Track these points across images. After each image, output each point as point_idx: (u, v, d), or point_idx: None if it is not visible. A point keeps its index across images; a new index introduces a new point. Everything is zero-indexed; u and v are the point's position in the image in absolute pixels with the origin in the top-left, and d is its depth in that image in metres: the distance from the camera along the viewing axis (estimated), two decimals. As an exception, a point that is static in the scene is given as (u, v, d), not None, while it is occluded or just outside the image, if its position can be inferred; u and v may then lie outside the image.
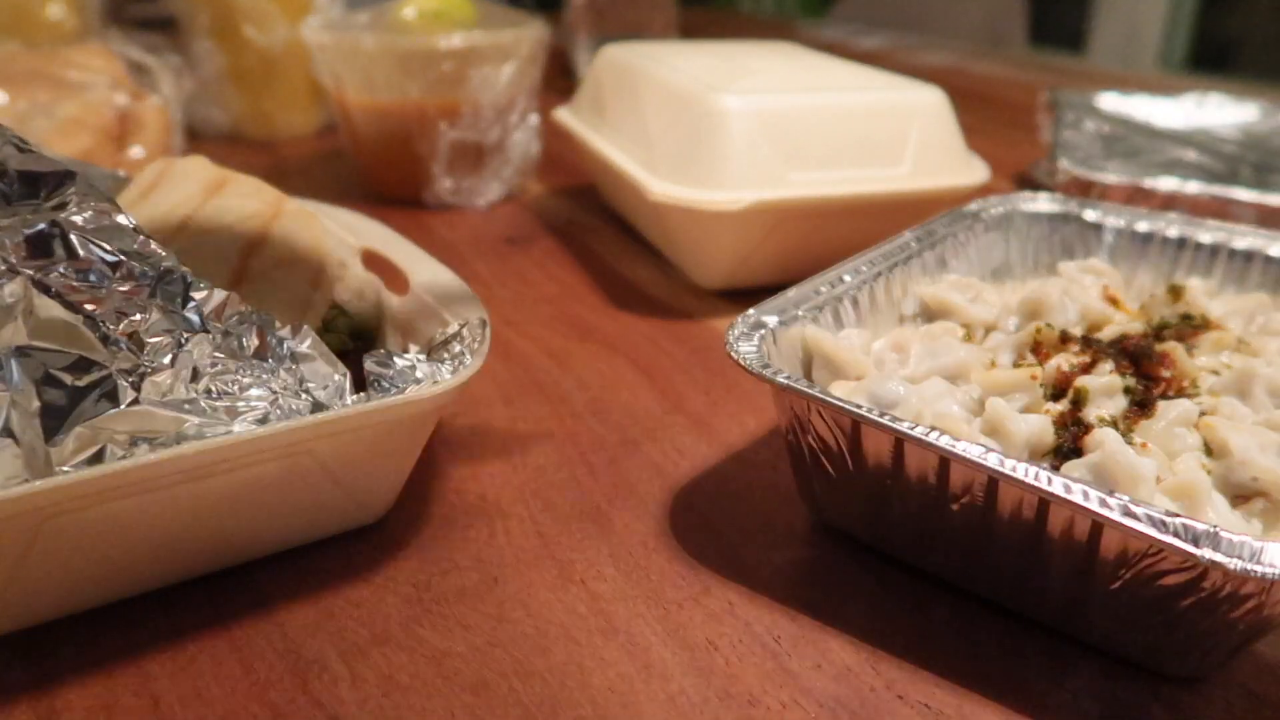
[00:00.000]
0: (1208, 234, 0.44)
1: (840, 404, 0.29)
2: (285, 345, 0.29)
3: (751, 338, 0.33)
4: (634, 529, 0.35)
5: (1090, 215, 0.46)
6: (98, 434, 0.26)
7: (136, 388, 0.27)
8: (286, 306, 0.34)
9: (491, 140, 0.69)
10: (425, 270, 0.41)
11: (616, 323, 0.52)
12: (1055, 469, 0.26)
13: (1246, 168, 0.68)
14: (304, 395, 0.29)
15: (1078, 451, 0.30)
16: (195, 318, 0.28)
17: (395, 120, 0.68)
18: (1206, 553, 0.23)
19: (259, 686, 0.28)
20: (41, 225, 0.26)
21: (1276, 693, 0.28)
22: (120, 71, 0.72)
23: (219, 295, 0.29)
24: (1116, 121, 0.79)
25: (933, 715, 0.27)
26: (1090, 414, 0.31)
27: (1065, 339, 0.35)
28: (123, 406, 0.26)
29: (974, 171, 0.56)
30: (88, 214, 0.27)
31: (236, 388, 0.28)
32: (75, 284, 0.26)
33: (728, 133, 0.51)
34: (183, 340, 0.28)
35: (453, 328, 0.34)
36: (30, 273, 0.26)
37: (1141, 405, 0.32)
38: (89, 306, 0.26)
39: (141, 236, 0.28)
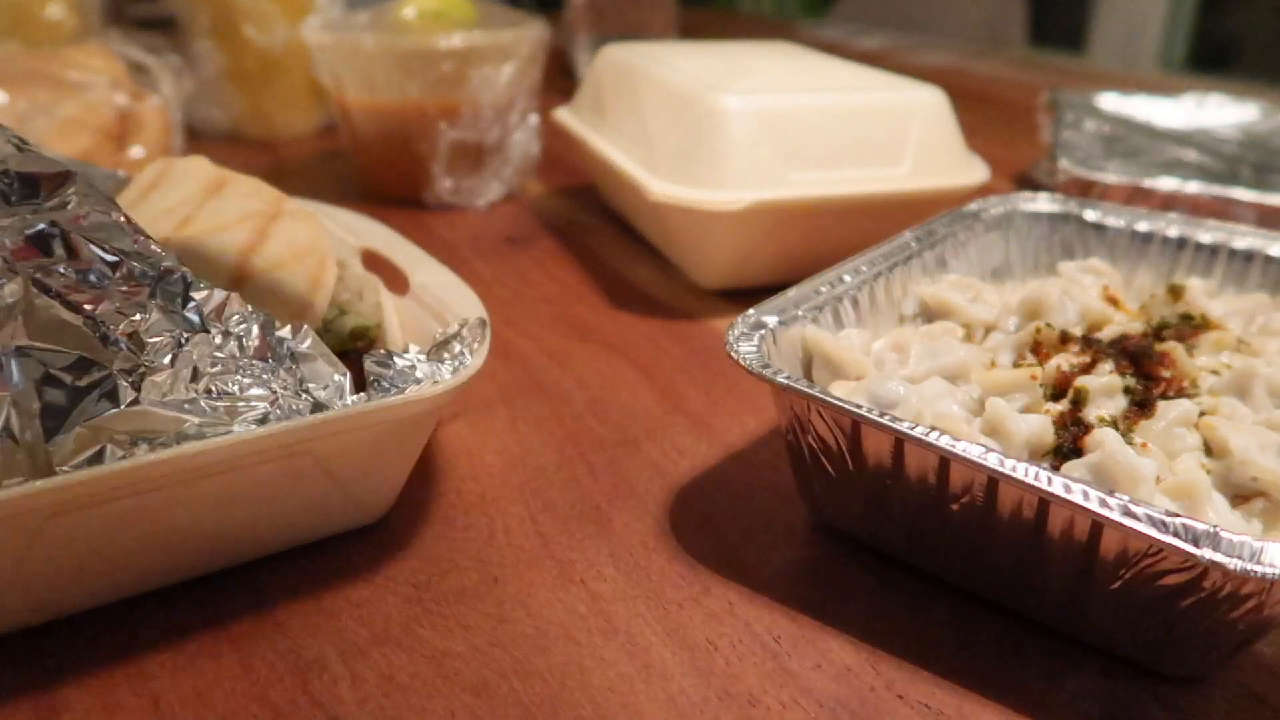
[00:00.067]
0: (1208, 234, 0.44)
1: (840, 404, 0.29)
2: (285, 345, 0.29)
3: (751, 338, 0.33)
4: (634, 529, 0.35)
5: (1090, 215, 0.46)
6: (98, 434, 0.26)
7: (136, 388, 0.27)
8: (286, 306, 0.34)
9: (491, 140, 0.69)
10: (425, 270, 0.41)
11: (616, 323, 0.53)
12: (1055, 469, 0.26)
13: (1246, 168, 0.68)
14: (304, 395, 0.29)
15: (1078, 451, 0.30)
16: (195, 318, 0.28)
17: (395, 120, 0.68)
18: (1206, 553, 0.23)
19: (259, 686, 0.28)
20: (41, 225, 0.26)
21: (1276, 693, 0.28)
22: (120, 71, 0.72)
23: (219, 295, 0.29)
24: (1116, 121, 0.79)
25: (933, 715, 0.27)
26: (1090, 414, 0.31)
27: (1065, 339, 0.35)
28: (123, 406, 0.26)
29: (974, 171, 0.56)
30: (88, 214, 0.27)
31: (236, 388, 0.28)
32: (75, 284, 0.26)
33: (728, 133, 0.51)
34: (183, 340, 0.28)
35: (453, 328, 0.34)
36: (30, 273, 0.26)
37: (1141, 405, 0.32)
38: (89, 306, 0.26)
39: (141, 236, 0.28)
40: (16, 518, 0.25)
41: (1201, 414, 0.31)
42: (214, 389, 0.28)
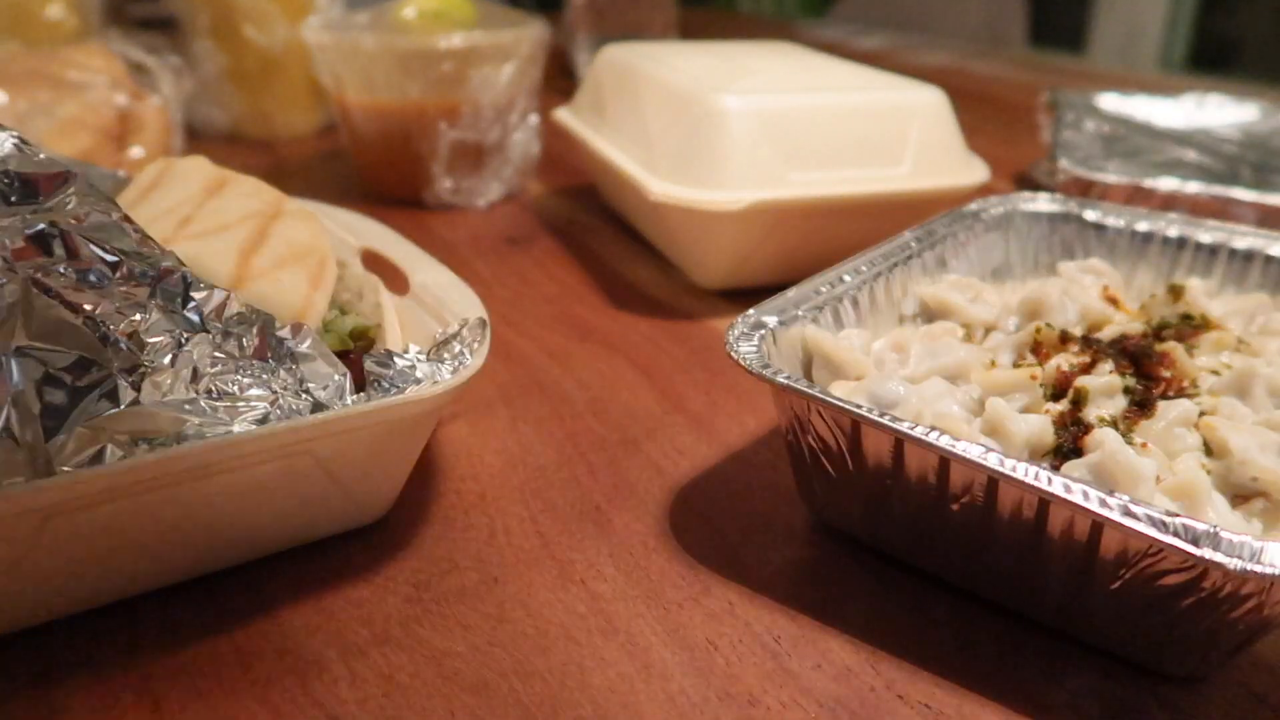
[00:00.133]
0: (1208, 234, 0.43)
1: (840, 404, 0.29)
2: (285, 345, 0.29)
3: (751, 338, 0.33)
4: (634, 529, 0.35)
5: (1090, 215, 0.46)
6: (98, 434, 0.26)
7: (136, 388, 0.27)
8: (286, 306, 0.34)
9: (491, 140, 0.69)
10: (425, 270, 0.41)
11: (616, 323, 0.52)
12: (1055, 469, 0.26)
13: (1246, 168, 0.68)
14: (304, 395, 0.29)
15: (1078, 451, 0.30)
16: (195, 318, 0.28)
17: (395, 120, 0.68)
18: (1206, 553, 0.23)
19: (259, 686, 0.28)
20: (41, 225, 0.26)
21: (1276, 693, 0.28)
22: (120, 71, 0.72)
23: (219, 295, 0.29)
24: (1116, 121, 0.78)
25: (933, 715, 0.27)
26: (1090, 414, 0.31)
27: (1065, 339, 0.35)
28: (123, 406, 0.26)
29: (974, 171, 0.56)
30: (88, 214, 0.27)
31: (236, 388, 0.28)
32: (75, 284, 0.26)
33: (728, 133, 0.51)
34: (183, 340, 0.28)
35: (453, 328, 0.34)
36: (30, 273, 0.26)
37: (1141, 405, 0.32)
38: (89, 306, 0.26)
39: (141, 236, 0.28)
40: (16, 518, 0.25)
41: (1201, 414, 0.31)
42: (214, 389, 0.28)
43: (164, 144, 0.70)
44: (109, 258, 0.27)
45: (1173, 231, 0.44)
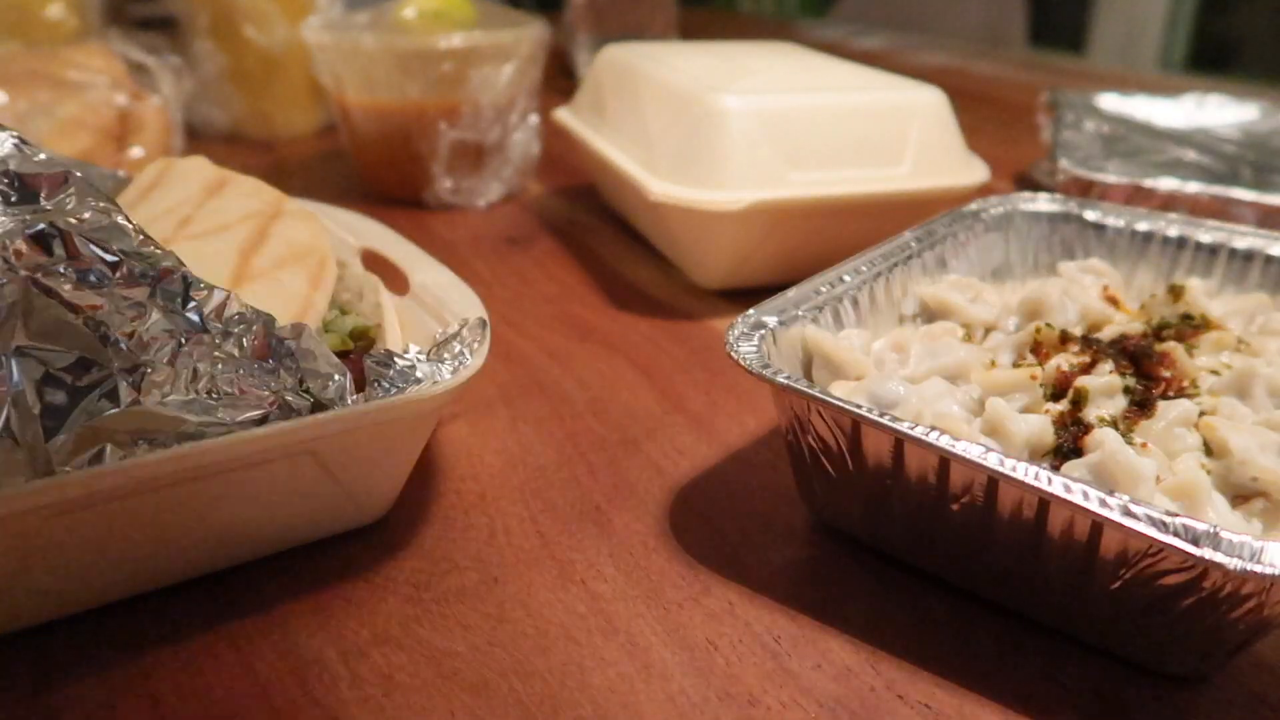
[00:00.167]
0: (1208, 234, 0.44)
1: (840, 404, 0.29)
2: (285, 345, 0.29)
3: (751, 338, 0.33)
4: (634, 529, 0.35)
5: (1090, 215, 0.46)
6: (98, 434, 0.26)
7: (136, 388, 0.27)
8: (286, 306, 0.33)
9: (491, 140, 0.69)
10: (425, 270, 0.41)
11: (616, 323, 0.52)
12: (1055, 469, 0.26)
13: (1246, 168, 0.68)
14: (304, 395, 0.29)
15: (1078, 451, 0.30)
16: (195, 318, 0.28)
17: (395, 120, 0.68)
18: (1206, 553, 0.23)
19: (259, 686, 0.28)
20: (41, 225, 0.26)
21: (1276, 693, 0.28)
22: (120, 71, 0.72)
23: (219, 295, 0.28)
24: (1116, 121, 0.78)
25: (933, 715, 0.27)
26: (1090, 414, 0.31)
27: (1065, 339, 0.35)
28: (123, 406, 0.26)
29: (974, 171, 0.56)
30: (88, 214, 0.27)
31: (236, 388, 0.28)
32: (75, 284, 0.26)
33: (728, 133, 0.51)
34: (183, 340, 0.28)
35: (453, 328, 0.34)
36: (30, 273, 0.26)
37: (1141, 405, 0.32)
38: (89, 307, 0.26)
39: (141, 236, 0.28)
40: (16, 518, 0.25)
41: (1201, 414, 0.31)
42: (214, 389, 0.28)
43: (164, 144, 0.70)
44: (109, 258, 0.27)
45: (1173, 231, 0.44)
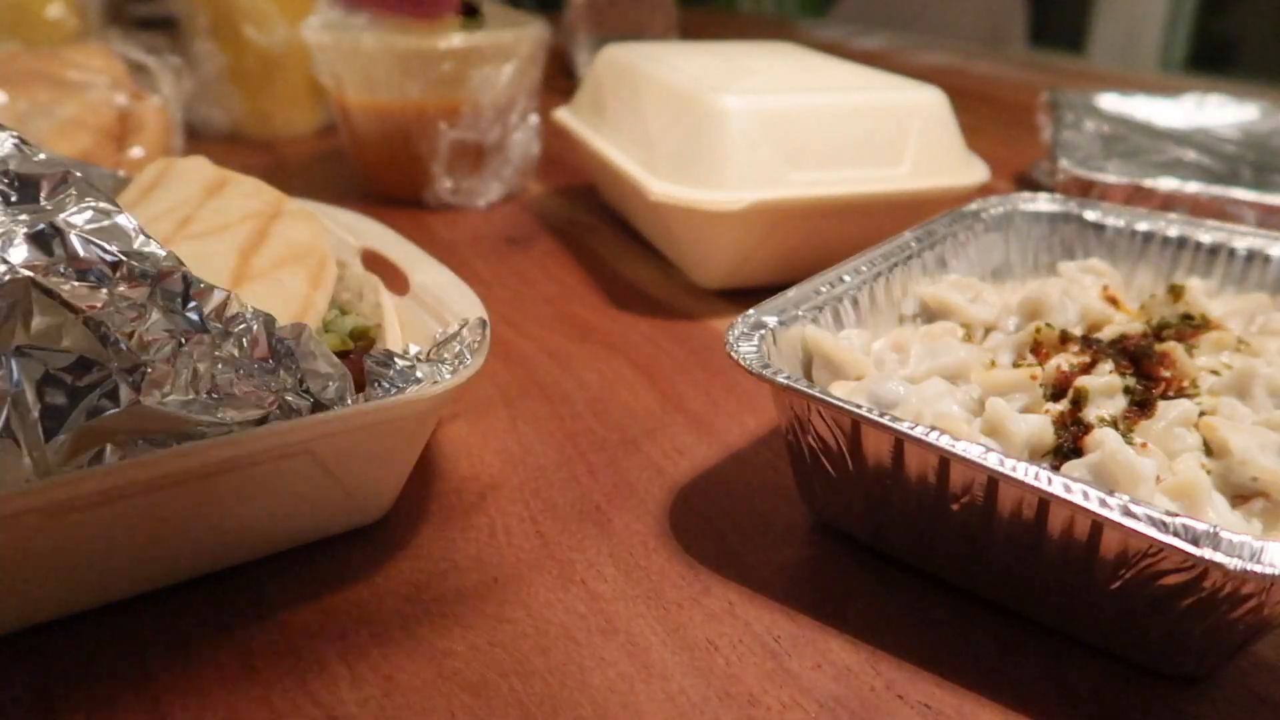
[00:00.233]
0: (1208, 234, 0.44)
1: (840, 404, 0.29)
2: (285, 345, 0.29)
3: (751, 338, 0.33)
4: (634, 529, 0.35)
5: (1090, 215, 0.46)
6: (97, 434, 0.26)
7: (136, 388, 0.27)
8: (286, 306, 0.33)
9: (491, 140, 0.69)
10: (425, 270, 0.41)
11: (616, 323, 0.52)
12: (1055, 469, 0.26)
13: (1246, 168, 0.68)
14: (304, 395, 0.29)
15: (1078, 451, 0.30)
16: (195, 318, 0.28)
17: (395, 120, 0.68)
18: (1206, 553, 0.23)
19: (259, 686, 0.28)
20: (41, 225, 0.26)
21: (1276, 693, 0.28)
22: (120, 71, 0.72)
23: (219, 295, 0.28)
24: (1116, 121, 0.78)
25: (933, 715, 0.27)
26: (1090, 414, 0.31)
27: (1065, 339, 0.35)
28: (123, 406, 0.26)
29: (974, 171, 0.56)
30: (88, 214, 0.27)
31: (236, 388, 0.28)
32: (75, 284, 0.26)
33: (728, 133, 0.51)
34: (183, 340, 0.28)
35: (453, 328, 0.34)
36: (30, 273, 0.26)
37: (1141, 405, 0.32)
38: (89, 307, 0.26)
39: (141, 236, 0.28)
40: (16, 518, 0.25)
41: (1201, 414, 0.31)
42: (214, 389, 0.28)
43: (164, 144, 0.70)
44: (109, 258, 0.27)
45: (1173, 231, 0.44)
